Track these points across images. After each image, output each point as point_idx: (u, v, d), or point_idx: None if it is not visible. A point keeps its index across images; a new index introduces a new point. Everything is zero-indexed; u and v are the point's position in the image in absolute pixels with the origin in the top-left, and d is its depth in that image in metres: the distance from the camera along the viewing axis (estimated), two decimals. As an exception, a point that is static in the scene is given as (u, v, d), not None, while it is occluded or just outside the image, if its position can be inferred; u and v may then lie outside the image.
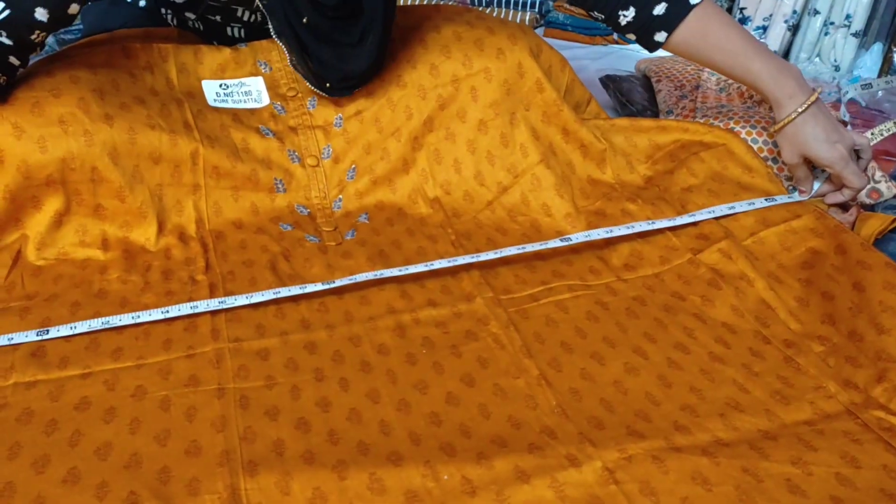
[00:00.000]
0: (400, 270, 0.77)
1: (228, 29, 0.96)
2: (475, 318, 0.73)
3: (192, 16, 0.96)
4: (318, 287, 0.74)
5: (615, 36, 1.54)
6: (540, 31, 1.61)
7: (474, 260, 0.79)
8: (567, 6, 1.60)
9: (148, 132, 0.81)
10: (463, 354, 0.68)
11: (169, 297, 0.73)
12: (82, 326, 0.68)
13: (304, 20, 0.82)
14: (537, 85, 0.92)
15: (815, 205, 0.85)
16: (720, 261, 0.79)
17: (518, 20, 1.62)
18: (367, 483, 0.54)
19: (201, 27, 0.97)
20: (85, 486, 0.53)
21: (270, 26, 0.83)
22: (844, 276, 0.75)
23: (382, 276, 0.76)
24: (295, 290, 0.74)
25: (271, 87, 0.94)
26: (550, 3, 1.63)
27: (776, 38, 1.40)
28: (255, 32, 0.96)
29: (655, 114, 1.11)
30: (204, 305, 0.71)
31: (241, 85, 0.93)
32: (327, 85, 0.89)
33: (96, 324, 0.68)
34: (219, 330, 0.69)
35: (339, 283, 0.75)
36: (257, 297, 0.72)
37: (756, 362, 0.68)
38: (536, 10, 1.61)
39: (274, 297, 0.73)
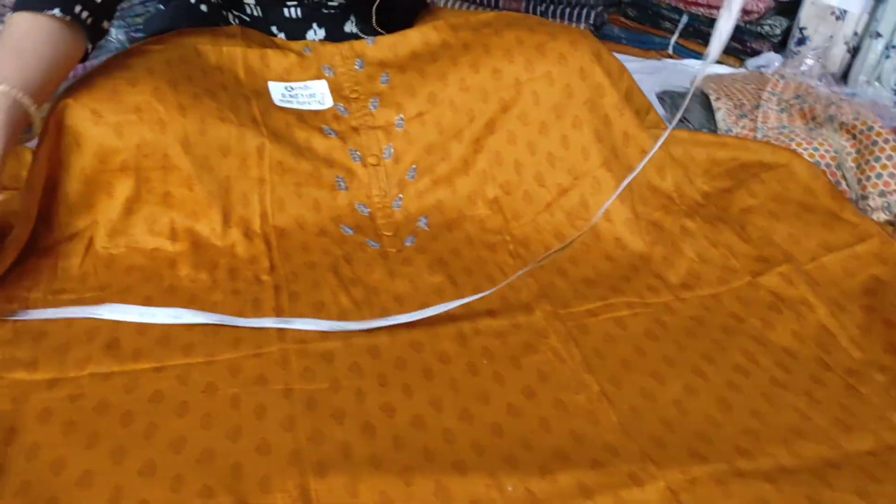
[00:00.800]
0: (465, 300, 0.74)
1: (286, 10, 0.99)
2: (534, 330, 0.73)
3: (250, 1, 0.99)
4: (402, 319, 0.72)
5: (670, 50, 1.54)
6: (594, 43, 1.61)
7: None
8: (622, 19, 1.60)
9: (218, 124, 0.83)
10: (523, 366, 0.69)
11: (236, 296, 0.75)
12: (199, 317, 0.70)
13: None
14: (598, 89, 0.91)
15: (881, 228, 0.84)
16: (780, 285, 0.79)
17: (572, 31, 1.62)
18: (433, 489, 0.55)
19: (260, 12, 0.99)
20: (161, 478, 0.55)
21: None
22: (908, 306, 0.74)
23: (449, 308, 0.73)
24: (379, 323, 0.71)
25: (335, 89, 0.96)
26: (605, 16, 1.63)
27: (835, 59, 1.39)
28: (311, 13, 1.00)
29: (713, 132, 1.11)
30: (298, 323, 0.71)
31: (305, 88, 0.95)
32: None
33: (204, 317, 0.71)
34: (284, 331, 0.70)
35: (418, 315, 0.72)
36: (350, 326, 0.71)
37: (817, 389, 0.68)
38: (591, 22, 1.61)
39: (364, 327, 0.71)
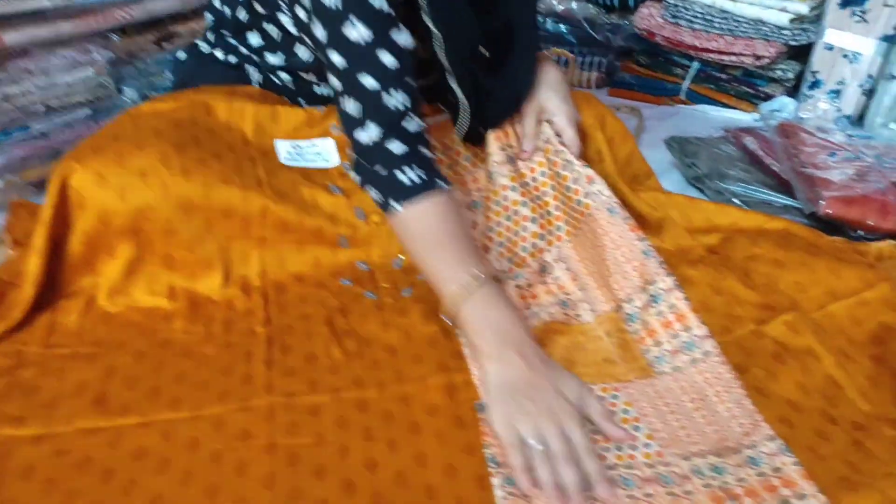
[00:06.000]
0: None
1: (316, 87, 1.00)
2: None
3: (285, 76, 0.99)
4: None
5: (682, 96, 1.53)
6: (605, 90, 1.61)
7: None
8: (634, 66, 1.60)
9: (222, 187, 0.84)
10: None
11: (228, 349, 0.75)
12: None
13: (481, 49, 0.85)
14: (598, 155, 0.92)
15: (889, 273, 0.82)
16: (786, 334, 0.77)
17: (584, 80, 1.63)
18: (409, 550, 0.53)
19: (293, 85, 1.00)
20: (135, 538, 0.54)
21: (453, 83, 0.85)
22: (920, 355, 0.71)
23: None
24: None
25: (342, 148, 0.96)
26: (617, 64, 1.64)
27: (850, 102, 1.37)
28: None
29: (721, 177, 1.10)
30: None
31: (312, 146, 0.96)
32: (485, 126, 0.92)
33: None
34: (273, 384, 0.70)
35: None
36: None
37: (822, 444, 0.65)
38: (603, 70, 1.62)
39: None
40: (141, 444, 0.63)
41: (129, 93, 1.11)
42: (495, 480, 0.60)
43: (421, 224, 0.77)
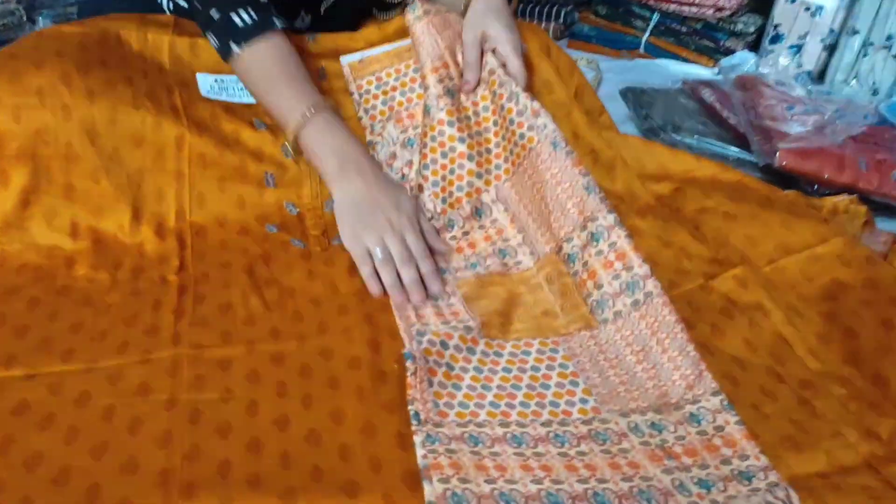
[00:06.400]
0: None
1: None
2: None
3: None
4: None
5: (641, 49, 1.48)
6: (564, 42, 1.55)
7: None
8: (593, 17, 1.54)
9: (131, 112, 0.77)
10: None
11: (135, 298, 0.68)
12: None
13: None
14: (546, 86, 0.86)
15: (843, 228, 0.78)
16: (734, 289, 0.73)
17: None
18: (315, 515, 0.48)
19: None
20: (7, 500, 0.48)
21: None
22: (871, 312, 0.68)
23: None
24: None
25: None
26: (576, 15, 1.58)
27: (811, 57, 1.33)
28: None
29: (676, 129, 1.05)
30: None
31: (237, 81, 0.89)
32: None
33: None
34: (181, 334, 0.64)
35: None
36: None
37: (767, 402, 0.61)
38: (561, 21, 1.56)
39: None
40: (23, 398, 0.56)
41: (43, 23, 1.02)
42: (417, 439, 0.55)
43: (259, 63, 0.81)
